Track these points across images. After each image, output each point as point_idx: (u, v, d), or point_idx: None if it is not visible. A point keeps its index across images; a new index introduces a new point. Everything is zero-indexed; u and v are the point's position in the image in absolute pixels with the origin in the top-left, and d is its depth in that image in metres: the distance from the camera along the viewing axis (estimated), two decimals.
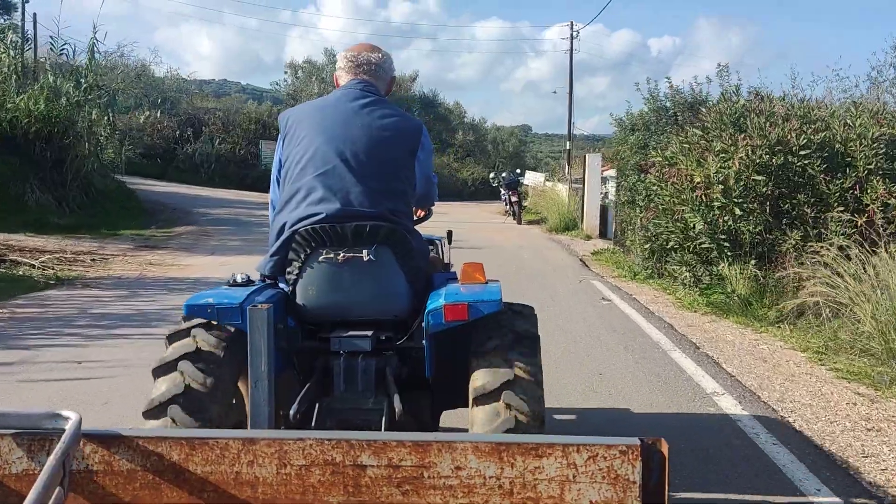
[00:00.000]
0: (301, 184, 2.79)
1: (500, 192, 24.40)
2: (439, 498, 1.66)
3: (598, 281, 11.58)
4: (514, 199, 22.12)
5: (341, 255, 2.73)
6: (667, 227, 10.15)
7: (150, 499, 1.68)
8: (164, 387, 2.57)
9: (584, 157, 19.67)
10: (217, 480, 1.68)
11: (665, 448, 1.76)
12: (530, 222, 22.33)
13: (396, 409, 2.65)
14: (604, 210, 18.63)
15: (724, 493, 3.69)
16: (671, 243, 10.19)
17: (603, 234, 18.27)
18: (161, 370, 2.63)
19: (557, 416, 4.72)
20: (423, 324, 2.69)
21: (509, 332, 2.64)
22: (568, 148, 32.77)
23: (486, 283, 2.81)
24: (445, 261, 3.80)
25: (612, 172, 18.78)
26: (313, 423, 2.69)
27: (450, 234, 4.11)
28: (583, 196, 19.31)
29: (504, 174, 24.68)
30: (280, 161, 2.97)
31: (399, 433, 1.85)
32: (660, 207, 10.40)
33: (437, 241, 3.81)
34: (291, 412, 2.63)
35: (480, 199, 35.47)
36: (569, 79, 34.49)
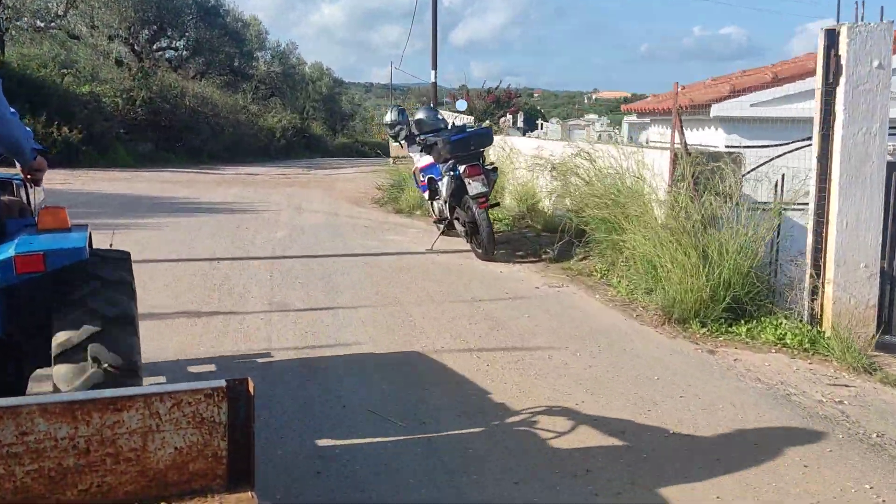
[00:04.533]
0: None
1: (414, 159, 9.19)
2: (2, 468, 1.54)
3: None
4: (474, 187, 7.68)
5: None
6: None
7: None
8: None
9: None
10: None
11: (251, 387, 1.83)
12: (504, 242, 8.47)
13: None
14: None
15: None
16: None
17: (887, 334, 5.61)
18: None
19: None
20: None
21: (96, 280, 2.47)
22: (433, 80, 20.83)
23: (70, 229, 2.57)
24: (28, 205, 3.32)
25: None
26: None
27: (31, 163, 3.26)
28: (824, 183, 5.15)
29: (423, 115, 9.02)
30: None
31: None
32: None
33: (14, 182, 3.33)
34: None
35: (296, 157, 23.80)
36: None
